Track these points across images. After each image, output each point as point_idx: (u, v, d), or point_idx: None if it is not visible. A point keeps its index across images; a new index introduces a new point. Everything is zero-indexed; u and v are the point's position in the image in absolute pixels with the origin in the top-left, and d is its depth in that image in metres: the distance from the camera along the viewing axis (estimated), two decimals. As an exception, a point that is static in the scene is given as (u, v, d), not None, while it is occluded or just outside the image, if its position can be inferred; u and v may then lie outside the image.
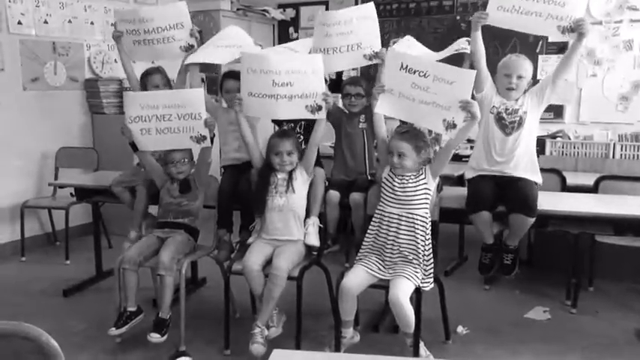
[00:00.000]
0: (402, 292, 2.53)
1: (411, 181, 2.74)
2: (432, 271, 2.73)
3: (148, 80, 3.54)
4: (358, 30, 3.22)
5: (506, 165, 3.09)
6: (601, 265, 3.75)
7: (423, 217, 2.73)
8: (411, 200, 2.73)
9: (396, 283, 2.58)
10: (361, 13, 3.28)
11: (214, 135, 3.20)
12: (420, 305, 2.63)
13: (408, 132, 2.78)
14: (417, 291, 2.61)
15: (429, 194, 2.75)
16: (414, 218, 2.71)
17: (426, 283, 2.67)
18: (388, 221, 2.74)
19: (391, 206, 2.76)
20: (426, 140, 2.77)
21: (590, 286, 3.71)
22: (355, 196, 3.18)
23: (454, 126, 2.68)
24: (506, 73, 3.05)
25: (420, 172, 2.76)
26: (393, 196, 2.76)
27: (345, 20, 3.23)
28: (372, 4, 3.28)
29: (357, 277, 2.67)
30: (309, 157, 3.00)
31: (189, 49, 3.39)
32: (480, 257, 3.20)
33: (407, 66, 2.75)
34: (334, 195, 3.18)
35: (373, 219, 2.83)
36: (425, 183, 2.74)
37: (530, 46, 5.22)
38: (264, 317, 2.77)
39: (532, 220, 2.92)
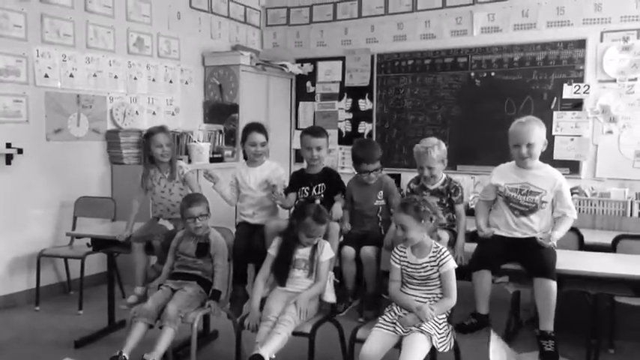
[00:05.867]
0: (415, 356, 2.46)
1: (426, 263, 2.70)
2: (446, 328, 2.65)
3: (151, 140, 3.64)
4: None
5: (521, 232, 3.07)
6: (622, 326, 3.64)
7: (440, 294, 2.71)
8: (427, 282, 2.71)
9: (411, 341, 2.51)
10: None
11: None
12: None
13: (407, 204, 2.73)
14: (432, 351, 2.55)
15: None
16: (430, 296, 2.70)
17: (442, 342, 2.58)
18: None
19: (407, 287, 2.74)
20: (427, 209, 2.69)
21: (610, 348, 3.60)
22: (367, 251, 3.17)
23: None
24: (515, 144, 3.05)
25: (438, 253, 2.70)
26: (408, 279, 2.74)
27: None
28: None
29: (378, 342, 2.57)
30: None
31: None
32: (465, 319, 3.05)
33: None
34: (349, 251, 3.18)
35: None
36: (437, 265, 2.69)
37: (544, 103, 5.26)
38: (270, 348, 2.65)
39: (553, 282, 2.83)
